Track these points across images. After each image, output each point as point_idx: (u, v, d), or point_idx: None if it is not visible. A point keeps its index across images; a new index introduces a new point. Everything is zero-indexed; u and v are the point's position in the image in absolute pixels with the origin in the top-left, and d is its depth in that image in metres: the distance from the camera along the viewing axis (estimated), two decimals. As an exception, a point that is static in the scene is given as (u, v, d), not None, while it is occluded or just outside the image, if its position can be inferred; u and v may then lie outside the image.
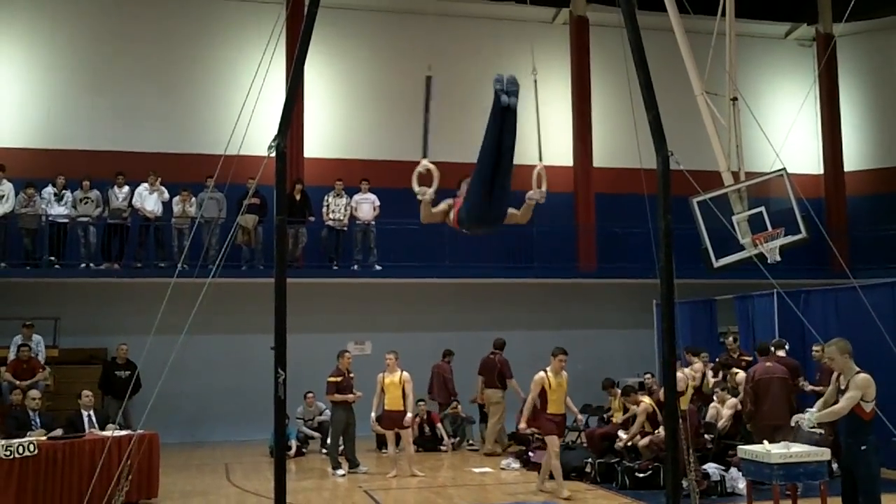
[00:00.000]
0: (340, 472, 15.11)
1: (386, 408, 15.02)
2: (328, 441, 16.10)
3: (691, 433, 11.94)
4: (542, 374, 12.97)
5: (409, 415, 14.95)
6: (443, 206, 7.95)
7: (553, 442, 12.78)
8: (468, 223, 7.83)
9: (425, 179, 7.80)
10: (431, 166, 7.78)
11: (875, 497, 8.23)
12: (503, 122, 7.33)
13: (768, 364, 13.53)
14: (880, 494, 8.29)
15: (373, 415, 15.14)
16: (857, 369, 8.30)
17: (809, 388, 14.02)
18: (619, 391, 15.71)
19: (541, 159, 8.16)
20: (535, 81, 8.61)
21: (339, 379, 15.37)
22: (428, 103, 8.22)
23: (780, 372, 13.36)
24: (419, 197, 7.71)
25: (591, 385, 17.65)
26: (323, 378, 19.50)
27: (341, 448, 15.46)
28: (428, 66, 8.24)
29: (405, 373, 15.10)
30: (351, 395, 15.40)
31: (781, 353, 14.25)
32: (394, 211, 20.13)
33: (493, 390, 17.92)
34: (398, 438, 15.05)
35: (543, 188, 7.94)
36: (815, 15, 25.58)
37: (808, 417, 8.51)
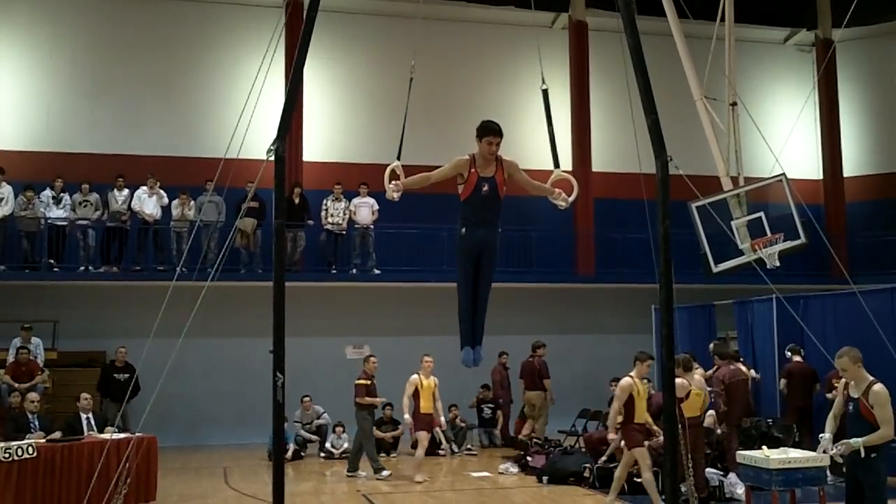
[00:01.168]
0: (385, 472, 15.19)
1: (421, 411, 15.03)
2: (360, 447, 15.67)
3: (693, 439, 11.92)
4: (629, 379, 11.99)
5: (442, 419, 14.98)
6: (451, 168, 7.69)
7: (644, 455, 11.91)
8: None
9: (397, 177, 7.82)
10: (397, 165, 7.82)
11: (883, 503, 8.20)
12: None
13: (732, 367, 13.98)
14: (887, 502, 8.26)
15: (407, 416, 15.05)
16: (871, 379, 8.26)
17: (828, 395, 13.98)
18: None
19: (557, 165, 8.21)
20: (546, 91, 8.68)
21: (368, 382, 15.51)
22: (407, 104, 8.24)
23: (742, 375, 14.09)
24: (394, 195, 7.65)
25: (590, 390, 17.66)
26: (322, 381, 19.63)
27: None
28: (411, 68, 8.24)
29: (434, 377, 15.25)
30: (378, 399, 15.64)
31: (798, 359, 14.77)
32: (392, 215, 20.11)
33: (536, 392, 18.18)
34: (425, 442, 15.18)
35: (573, 197, 7.98)
36: (815, 20, 25.62)
37: (856, 444, 8.21)
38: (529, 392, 18.27)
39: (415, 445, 15.31)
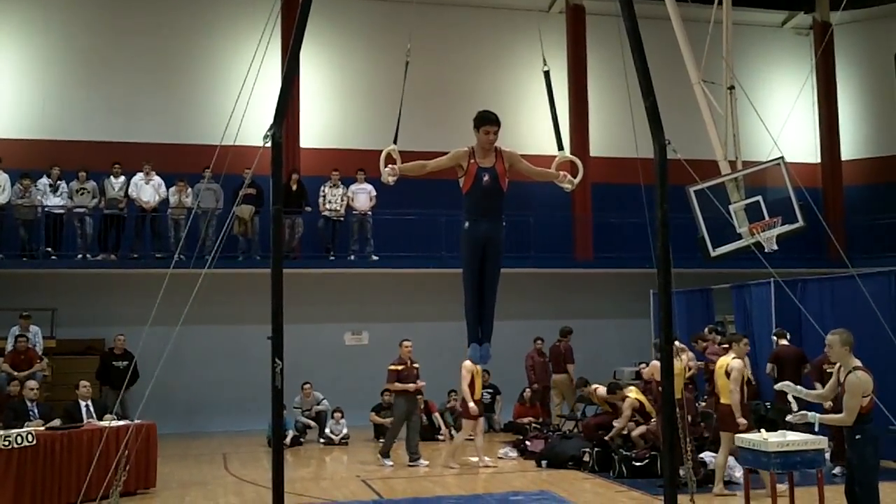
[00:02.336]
0: (388, 462, 15.02)
1: (475, 397, 14.90)
2: (414, 432, 15.45)
3: (688, 422, 11.94)
4: (740, 361, 11.65)
5: (471, 405, 14.85)
6: (449, 159, 7.68)
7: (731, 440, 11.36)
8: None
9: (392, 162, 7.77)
10: (393, 149, 7.76)
11: (871, 486, 8.25)
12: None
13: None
14: (877, 484, 8.30)
15: (472, 404, 14.81)
16: (856, 364, 8.29)
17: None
18: (597, 388, 15.55)
19: (561, 148, 8.17)
20: (547, 73, 8.70)
21: (400, 368, 15.24)
22: (403, 88, 8.20)
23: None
24: (389, 179, 7.62)
25: (588, 374, 17.64)
26: (321, 368, 19.66)
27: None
28: (407, 52, 8.20)
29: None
30: (412, 385, 15.27)
31: (784, 342, 14.54)
32: (390, 201, 20.10)
33: (563, 376, 18.54)
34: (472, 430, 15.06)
35: (578, 178, 7.93)
36: (812, 3, 25.53)
37: (812, 417, 8.46)
38: (556, 376, 18.65)
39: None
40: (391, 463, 15.02)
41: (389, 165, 7.50)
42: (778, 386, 8.98)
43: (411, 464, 14.96)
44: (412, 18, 18.20)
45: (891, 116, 25.23)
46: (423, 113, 20.03)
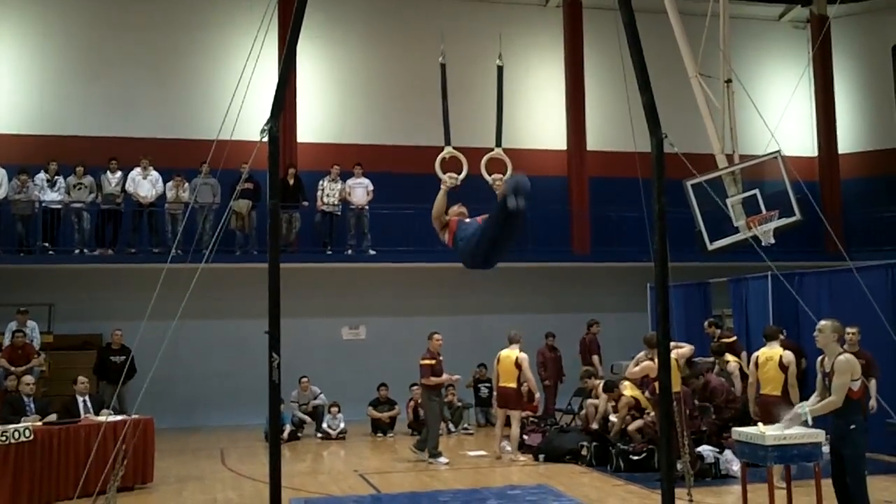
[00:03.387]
0: (443, 459, 14.57)
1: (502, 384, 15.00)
2: (425, 429, 15.17)
3: (685, 416, 11.96)
4: (791, 353, 11.89)
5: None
6: (450, 215, 7.86)
7: None
8: (462, 258, 7.78)
9: (448, 167, 7.79)
10: (458, 153, 7.75)
11: (861, 476, 8.28)
12: (511, 223, 7.28)
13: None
14: (865, 474, 8.33)
15: (538, 394, 15.09)
16: (840, 350, 8.34)
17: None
18: (601, 384, 15.29)
19: (498, 144, 8.13)
20: (500, 68, 8.72)
21: (433, 362, 14.95)
22: (445, 91, 8.16)
23: None
24: (448, 183, 7.67)
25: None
26: (318, 362, 19.66)
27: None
28: (441, 53, 8.20)
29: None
30: (446, 377, 15.14)
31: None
32: (388, 195, 20.13)
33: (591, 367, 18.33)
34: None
35: (508, 173, 7.95)
36: (810, -4, 25.57)
37: (803, 412, 8.50)
38: (585, 367, 18.49)
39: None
40: (446, 459, 14.60)
41: (453, 174, 7.60)
42: (787, 418, 8.91)
43: (431, 460, 14.67)
44: (419, 15, 18.35)
45: (888, 109, 25.22)
46: (419, 108, 20.03)
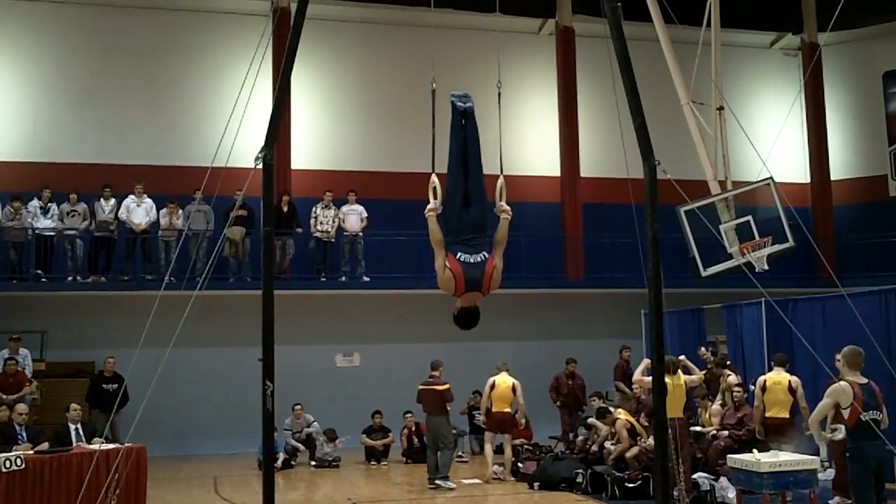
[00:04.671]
0: (451, 484, 14.83)
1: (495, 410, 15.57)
2: (437, 452, 15.27)
3: (682, 443, 11.95)
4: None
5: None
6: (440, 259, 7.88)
7: None
8: (454, 234, 7.71)
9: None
10: (436, 181, 7.77)
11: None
12: (466, 128, 7.70)
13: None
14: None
15: (522, 420, 15.67)
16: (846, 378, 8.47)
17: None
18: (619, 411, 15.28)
19: (501, 171, 8.15)
20: (500, 94, 8.91)
21: (442, 388, 15.45)
22: (434, 117, 8.20)
23: None
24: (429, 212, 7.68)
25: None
26: (312, 390, 19.58)
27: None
28: (432, 79, 8.23)
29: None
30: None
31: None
32: (381, 222, 20.14)
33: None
34: None
35: (502, 201, 7.95)
36: (801, 24, 25.71)
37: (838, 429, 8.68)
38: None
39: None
40: (454, 485, 14.86)
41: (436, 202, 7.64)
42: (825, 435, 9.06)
43: (442, 484, 14.85)
44: (412, 43, 18.35)
45: (879, 136, 25.34)
46: (413, 135, 20.09)
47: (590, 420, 15.97)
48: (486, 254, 7.44)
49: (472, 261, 7.37)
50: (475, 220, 7.58)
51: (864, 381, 8.93)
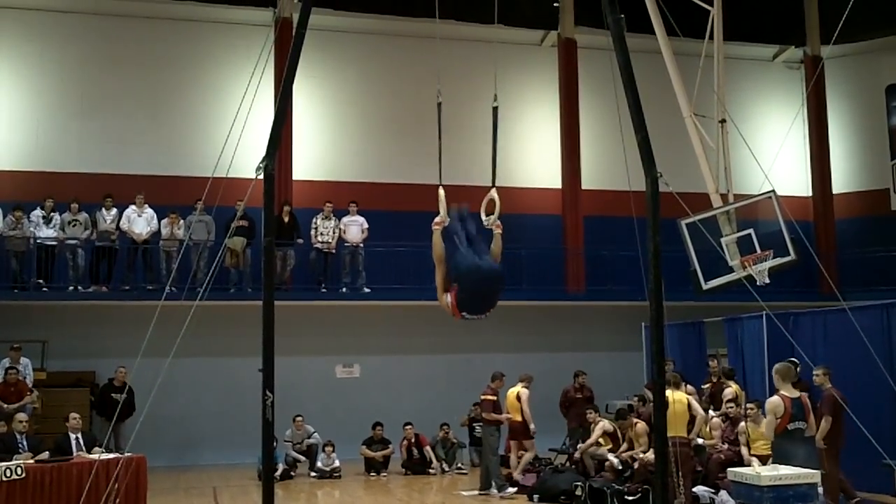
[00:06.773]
0: (511, 489, 15.06)
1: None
2: (483, 461, 15.92)
3: (683, 460, 11.91)
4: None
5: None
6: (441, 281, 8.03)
7: None
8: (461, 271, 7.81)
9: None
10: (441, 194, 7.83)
11: None
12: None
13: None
14: None
15: (532, 426, 15.54)
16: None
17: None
18: (637, 423, 14.72)
19: (493, 184, 8.18)
20: (496, 108, 8.85)
21: (495, 398, 15.70)
22: (440, 129, 8.23)
23: None
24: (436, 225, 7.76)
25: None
26: (312, 401, 19.54)
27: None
28: (438, 92, 8.26)
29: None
30: (504, 416, 15.68)
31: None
32: (382, 233, 20.14)
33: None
34: None
35: (495, 215, 8.01)
36: (803, 37, 25.74)
37: None
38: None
39: None
40: (514, 489, 15.12)
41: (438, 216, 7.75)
42: None
43: (483, 492, 15.16)
44: (414, 54, 18.35)
45: (882, 150, 25.34)
46: (414, 146, 20.14)
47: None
48: None
49: None
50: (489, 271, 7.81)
51: (797, 394, 10.47)
